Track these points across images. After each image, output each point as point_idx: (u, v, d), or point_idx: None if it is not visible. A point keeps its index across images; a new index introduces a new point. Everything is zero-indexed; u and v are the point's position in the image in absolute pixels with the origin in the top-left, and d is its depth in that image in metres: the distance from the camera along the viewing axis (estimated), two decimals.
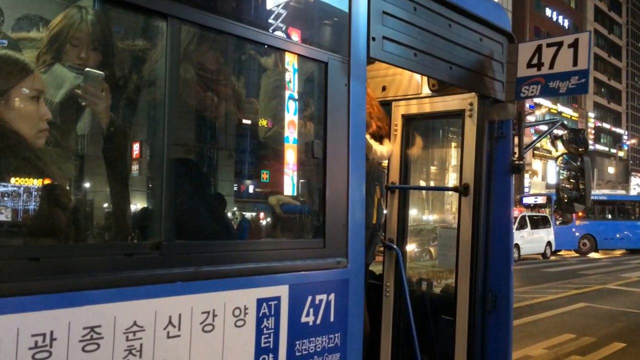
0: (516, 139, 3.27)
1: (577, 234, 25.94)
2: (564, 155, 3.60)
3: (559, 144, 3.61)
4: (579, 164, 3.51)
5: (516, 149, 3.27)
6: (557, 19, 57.74)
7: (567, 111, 57.34)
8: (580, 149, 3.50)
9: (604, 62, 67.27)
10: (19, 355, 1.35)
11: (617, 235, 26.60)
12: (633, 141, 71.19)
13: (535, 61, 3.10)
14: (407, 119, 3.60)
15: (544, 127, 5.31)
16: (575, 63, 3.02)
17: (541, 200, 27.42)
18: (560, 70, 3.05)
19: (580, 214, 22.97)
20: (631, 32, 74.52)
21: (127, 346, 1.55)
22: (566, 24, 59.09)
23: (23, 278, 1.39)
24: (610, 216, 27.42)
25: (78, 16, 2.00)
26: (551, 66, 3.06)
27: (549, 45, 3.11)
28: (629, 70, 73.98)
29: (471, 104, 3.17)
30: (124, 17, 2.04)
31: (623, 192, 40.39)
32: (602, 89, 67.40)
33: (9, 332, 1.34)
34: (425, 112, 3.52)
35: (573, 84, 3.01)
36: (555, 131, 3.62)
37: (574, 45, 3.03)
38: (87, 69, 1.87)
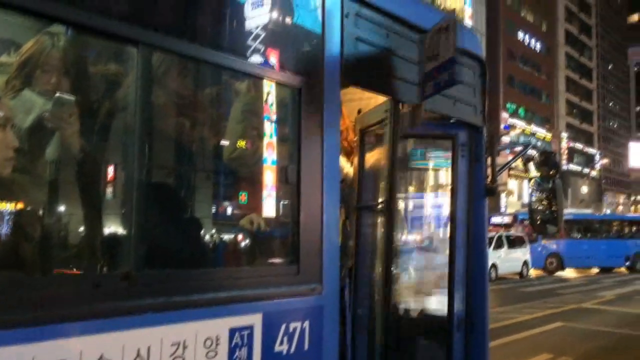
0: (489, 161, 3.31)
1: (543, 252, 26.16)
2: (536, 178, 3.65)
3: (531, 166, 3.66)
4: (550, 185, 3.56)
5: (489, 172, 3.30)
6: (530, 42, 59.23)
7: (541, 131, 58.51)
8: (551, 172, 3.56)
9: (575, 84, 68.98)
10: None
11: (584, 254, 26.89)
12: (605, 161, 72.76)
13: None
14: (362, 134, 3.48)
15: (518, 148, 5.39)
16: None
17: (508, 219, 27.85)
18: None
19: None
20: (601, 54, 76.69)
21: None
22: (538, 46, 60.63)
23: None
24: (577, 235, 27.61)
25: (49, 42, 1.98)
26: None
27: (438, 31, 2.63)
28: (599, 91, 75.94)
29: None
30: (94, 43, 2.03)
31: (589, 211, 41.09)
32: (574, 110, 69.00)
33: None
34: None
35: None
36: (530, 151, 3.67)
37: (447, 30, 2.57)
38: (57, 94, 1.85)
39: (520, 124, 54.47)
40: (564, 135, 63.27)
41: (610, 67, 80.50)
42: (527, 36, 58.59)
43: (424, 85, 2.69)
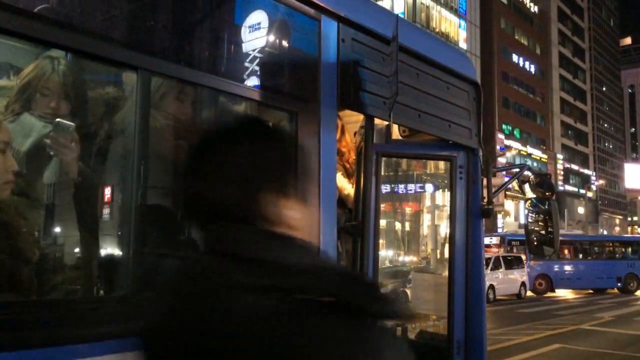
0: (485, 182, 3.33)
1: (532, 273, 25.63)
2: (532, 199, 3.68)
3: (526, 187, 3.69)
4: (546, 207, 3.58)
5: (485, 193, 3.33)
6: (524, 65, 59.92)
7: (537, 153, 58.86)
8: (547, 193, 3.58)
9: (570, 106, 69.65)
10: None
11: (574, 276, 26.52)
12: (601, 182, 73.09)
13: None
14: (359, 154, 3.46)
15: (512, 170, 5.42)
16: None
17: (495, 240, 27.71)
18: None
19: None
20: (595, 77, 77.60)
21: None
22: (532, 69, 61.32)
23: None
24: (567, 256, 27.26)
25: (49, 66, 2.01)
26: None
27: None
28: (594, 113, 76.65)
29: None
30: (94, 68, 2.06)
31: (580, 232, 40.79)
32: (569, 131, 69.54)
33: None
34: None
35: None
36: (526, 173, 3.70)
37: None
38: (57, 119, 1.87)
39: (516, 145, 54.82)
40: (560, 156, 63.65)
41: (604, 89, 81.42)
42: (521, 59, 59.31)
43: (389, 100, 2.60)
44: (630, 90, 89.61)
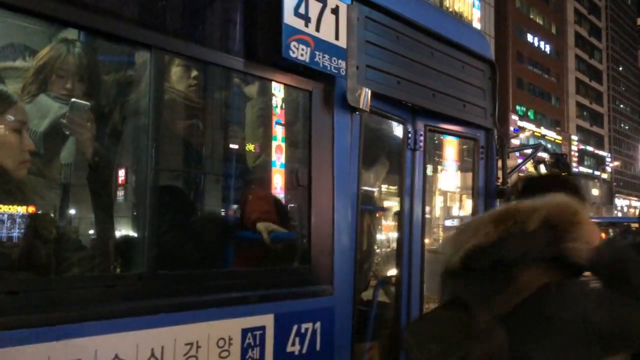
0: (500, 163, 3.30)
1: None
2: None
3: (542, 167, 3.65)
4: None
5: (500, 174, 3.30)
6: (539, 45, 58.90)
7: (551, 134, 58.16)
8: (562, 173, 3.54)
9: (586, 86, 68.55)
10: None
11: None
12: (616, 163, 72.22)
13: (302, 10, 2.16)
14: None
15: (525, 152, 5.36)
16: (336, 36, 2.31)
17: None
18: (325, 39, 2.27)
19: None
20: (611, 56, 76.19)
21: None
22: (547, 49, 60.31)
23: (3, 312, 1.37)
24: None
25: (64, 48, 2.01)
26: (317, 28, 2.24)
27: None
28: (610, 94, 75.42)
29: None
30: (109, 48, 2.05)
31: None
32: (585, 112, 68.55)
33: None
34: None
35: (334, 66, 2.26)
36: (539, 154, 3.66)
37: (335, 13, 2.29)
38: (72, 99, 1.87)
39: (530, 126, 54.15)
40: (574, 137, 62.87)
41: (620, 68, 79.98)
42: (536, 39, 58.28)
43: None
44: None
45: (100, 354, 1.51)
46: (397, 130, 2.96)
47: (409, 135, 2.79)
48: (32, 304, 1.42)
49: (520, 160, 3.88)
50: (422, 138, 2.83)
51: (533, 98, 56.96)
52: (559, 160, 3.53)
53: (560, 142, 58.82)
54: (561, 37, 63.19)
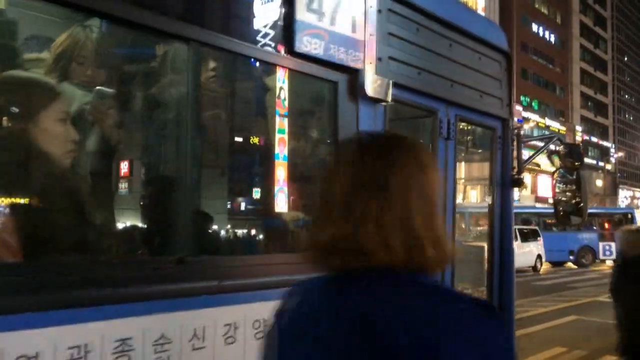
0: (515, 153, 3.37)
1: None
2: (560, 169, 3.71)
3: (555, 158, 3.71)
4: (575, 177, 3.61)
5: (515, 163, 3.37)
6: (544, 34, 58.62)
7: (555, 125, 58.03)
8: (575, 163, 3.61)
9: (590, 77, 68.28)
10: None
11: (564, 248, 25.49)
12: (620, 154, 72.07)
13: (315, 5, 2.18)
14: None
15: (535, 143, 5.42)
16: (353, 29, 2.30)
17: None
18: (341, 32, 2.26)
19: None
20: (616, 46, 75.80)
21: (155, 358, 1.60)
22: (552, 39, 60.01)
23: (56, 292, 1.45)
24: (554, 229, 25.64)
25: (83, 34, 2.07)
26: (333, 21, 2.22)
27: None
28: (615, 84, 75.11)
29: None
30: (141, 39, 2.12)
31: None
32: (589, 103, 68.33)
33: (48, 345, 1.39)
34: None
35: (351, 58, 2.26)
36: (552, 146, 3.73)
37: (352, 5, 2.30)
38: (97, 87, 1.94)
39: (534, 117, 54.05)
40: (579, 128, 62.70)
41: (625, 59, 79.57)
42: (540, 28, 58.01)
43: None
44: None
45: (148, 333, 1.59)
46: (423, 121, 3.03)
47: (441, 124, 2.85)
48: (85, 285, 1.51)
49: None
50: (454, 127, 2.90)
51: (537, 88, 56.78)
52: (573, 151, 3.60)
53: (564, 132, 58.67)
54: (566, 26, 62.85)
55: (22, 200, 1.60)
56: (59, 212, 1.64)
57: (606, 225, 27.26)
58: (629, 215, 27.90)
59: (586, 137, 65.43)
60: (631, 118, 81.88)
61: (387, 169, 0.97)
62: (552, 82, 60.09)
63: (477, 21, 3.29)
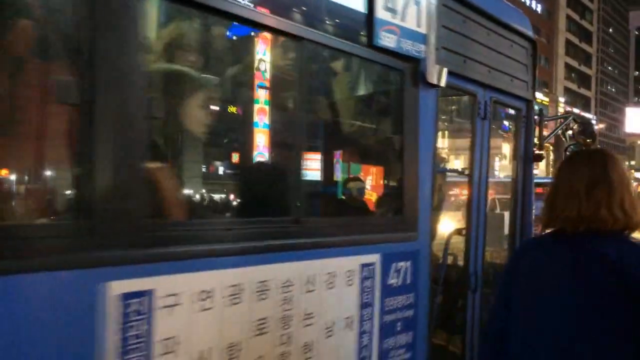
0: (536, 130, 3.79)
1: None
2: (572, 146, 4.13)
3: (569, 135, 4.14)
4: None
5: (536, 140, 3.79)
6: (530, 4, 58.62)
7: (539, 96, 58.60)
8: (587, 140, 4.03)
9: (575, 48, 68.78)
10: (220, 301, 1.81)
11: None
12: (601, 126, 73.29)
13: (390, 4, 2.54)
14: None
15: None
16: (418, 23, 2.67)
17: None
18: (410, 27, 2.62)
19: None
20: (602, 18, 76.22)
21: (283, 297, 2.03)
22: (539, 8, 60.07)
23: (222, 244, 1.85)
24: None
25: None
26: (403, 17, 2.58)
27: None
28: (599, 56, 75.81)
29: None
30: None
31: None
32: (573, 74, 69.02)
33: (217, 284, 1.80)
34: None
35: (415, 50, 2.64)
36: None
37: (418, 4, 2.67)
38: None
39: None
40: (561, 99, 63.45)
41: (610, 30, 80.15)
42: None
43: None
44: (637, 32, 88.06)
45: (277, 277, 2.01)
46: (459, 102, 3.43)
47: (480, 105, 3.24)
48: (241, 239, 1.91)
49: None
50: (490, 108, 3.30)
51: None
52: (586, 129, 4.02)
53: (547, 103, 59.34)
54: None
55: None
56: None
57: None
58: None
59: (569, 109, 66.25)
60: (613, 90, 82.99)
61: (608, 172, 1.68)
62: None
63: (508, 11, 3.65)
